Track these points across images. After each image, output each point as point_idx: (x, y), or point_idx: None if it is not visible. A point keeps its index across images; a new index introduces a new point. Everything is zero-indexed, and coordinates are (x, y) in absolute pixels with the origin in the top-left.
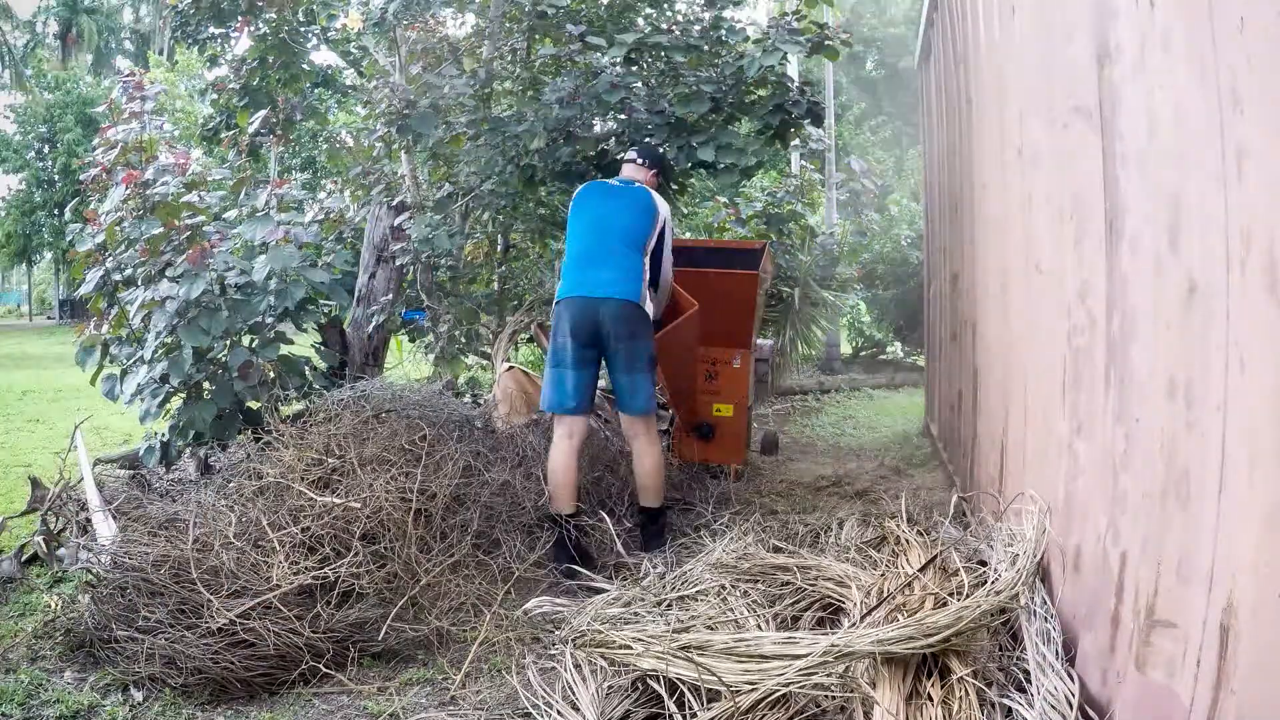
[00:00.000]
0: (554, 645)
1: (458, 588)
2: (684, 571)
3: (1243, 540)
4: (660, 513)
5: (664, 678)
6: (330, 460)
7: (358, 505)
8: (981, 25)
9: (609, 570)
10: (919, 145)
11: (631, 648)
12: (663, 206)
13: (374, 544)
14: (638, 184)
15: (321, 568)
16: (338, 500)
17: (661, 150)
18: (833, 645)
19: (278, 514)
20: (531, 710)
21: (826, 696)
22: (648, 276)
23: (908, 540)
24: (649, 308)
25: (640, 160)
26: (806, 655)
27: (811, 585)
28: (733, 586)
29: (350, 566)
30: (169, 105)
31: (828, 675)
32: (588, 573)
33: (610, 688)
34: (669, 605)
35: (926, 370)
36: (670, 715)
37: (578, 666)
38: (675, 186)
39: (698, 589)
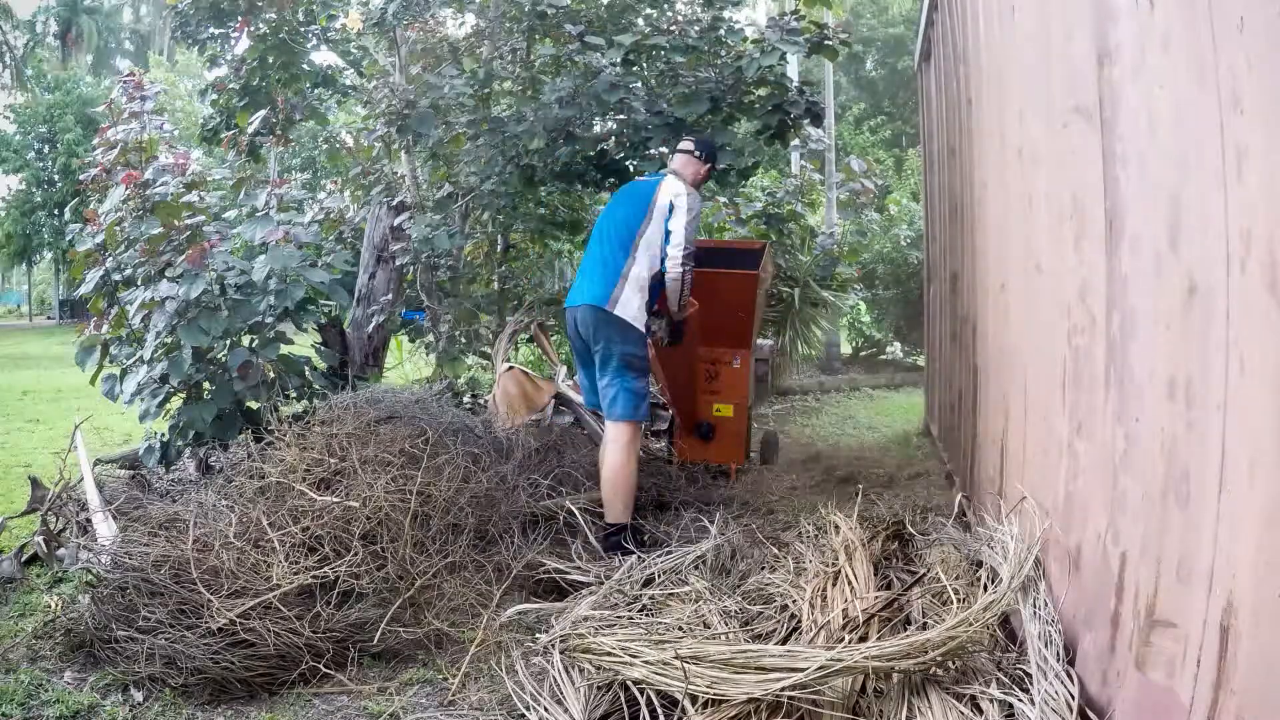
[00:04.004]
0: (541, 649)
1: (456, 589)
2: (664, 572)
3: (1243, 540)
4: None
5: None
6: (331, 460)
7: (357, 505)
8: (981, 25)
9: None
10: (919, 145)
11: (618, 654)
12: (666, 189)
13: (373, 544)
14: (667, 173)
15: (321, 567)
16: (337, 500)
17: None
18: (833, 659)
19: (278, 514)
20: (524, 711)
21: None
22: (633, 270)
23: (904, 544)
24: (630, 305)
25: (696, 153)
26: (804, 669)
27: (795, 590)
28: (710, 590)
29: (350, 567)
30: (169, 105)
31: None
32: (563, 565)
33: (598, 687)
34: (644, 607)
35: (926, 370)
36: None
37: (566, 669)
38: None
39: (670, 591)
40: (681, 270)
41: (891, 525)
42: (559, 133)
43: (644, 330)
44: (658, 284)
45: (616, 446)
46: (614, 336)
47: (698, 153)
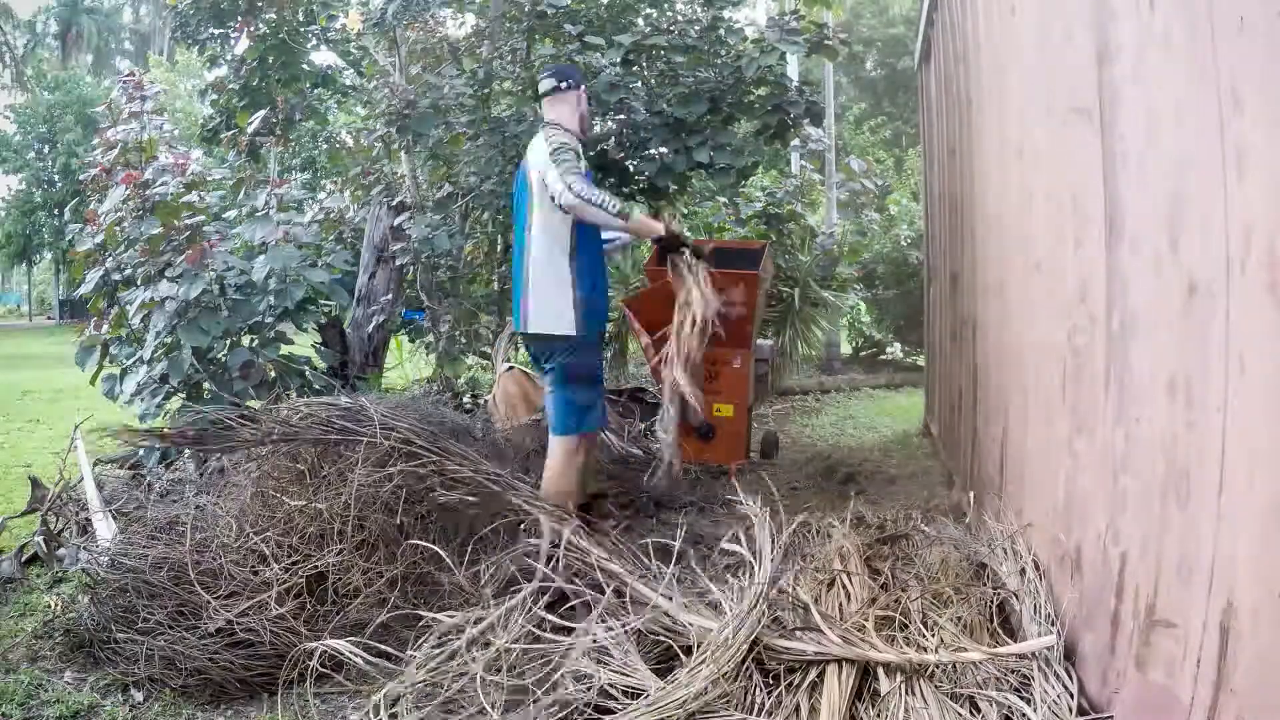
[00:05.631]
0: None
1: (455, 589)
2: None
3: (1243, 540)
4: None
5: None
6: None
7: (356, 506)
8: (981, 25)
9: None
10: (919, 145)
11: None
12: (532, 160)
13: (371, 545)
14: (542, 128)
15: (319, 568)
16: (336, 501)
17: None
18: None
19: (277, 515)
20: None
21: None
22: (535, 270)
23: (904, 545)
24: (547, 311)
25: (562, 85)
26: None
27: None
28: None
29: (348, 567)
30: (169, 105)
31: None
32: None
33: None
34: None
35: (926, 370)
36: None
37: None
38: (674, 186)
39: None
40: (575, 196)
41: (891, 526)
42: None
43: (578, 331)
44: (590, 243)
45: (552, 463)
46: (546, 351)
47: (564, 84)
